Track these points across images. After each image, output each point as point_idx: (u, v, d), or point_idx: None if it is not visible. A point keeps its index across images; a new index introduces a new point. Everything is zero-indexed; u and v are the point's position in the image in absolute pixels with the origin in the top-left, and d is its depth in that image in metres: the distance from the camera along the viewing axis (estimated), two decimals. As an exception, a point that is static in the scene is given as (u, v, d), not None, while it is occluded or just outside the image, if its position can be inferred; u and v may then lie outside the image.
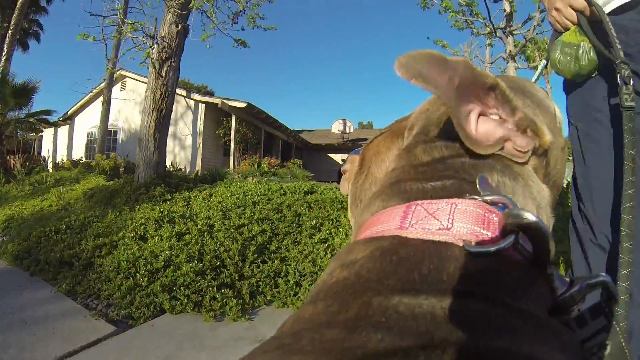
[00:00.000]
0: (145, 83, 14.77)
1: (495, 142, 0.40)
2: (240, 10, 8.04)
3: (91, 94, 15.49)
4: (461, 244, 0.32)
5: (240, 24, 8.20)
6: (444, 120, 0.46)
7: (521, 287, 0.31)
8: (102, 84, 14.19)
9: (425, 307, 0.27)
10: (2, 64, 12.79)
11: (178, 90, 9.78)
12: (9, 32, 13.38)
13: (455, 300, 0.27)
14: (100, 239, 3.67)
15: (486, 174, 0.40)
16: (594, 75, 1.16)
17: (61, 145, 17.34)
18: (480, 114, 0.40)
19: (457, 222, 0.34)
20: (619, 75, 0.98)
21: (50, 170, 12.98)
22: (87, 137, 16.61)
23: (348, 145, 22.40)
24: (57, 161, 15.32)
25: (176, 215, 3.91)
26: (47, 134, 17.33)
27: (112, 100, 14.53)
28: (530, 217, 0.32)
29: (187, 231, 3.46)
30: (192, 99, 14.38)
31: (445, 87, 0.36)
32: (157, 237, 3.45)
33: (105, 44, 12.05)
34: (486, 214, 0.34)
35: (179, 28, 7.47)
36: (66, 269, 3.38)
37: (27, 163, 12.17)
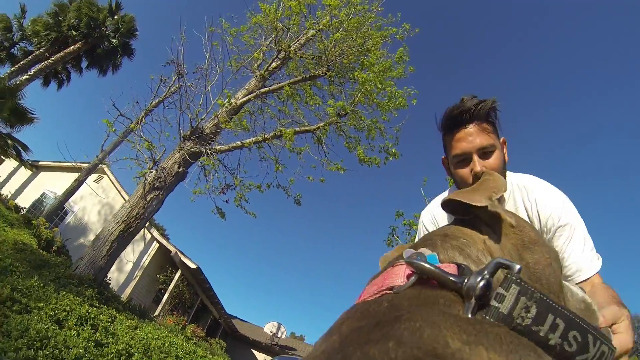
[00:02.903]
0: (119, 191, 15.04)
1: None
2: (233, 185, 8.61)
3: (69, 164, 14.85)
4: (391, 291, 0.48)
5: (226, 196, 8.65)
6: None
7: (423, 298, 0.43)
8: (85, 164, 14.18)
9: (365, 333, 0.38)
10: (21, 80, 13.06)
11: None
12: (45, 62, 14.14)
13: (380, 323, 0.39)
14: (17, 294, 3.44)
15: (412, 249, 0.58)
16: None
17: (12, 183, 16.41)
18: None
19: (387, 280, 0.51)
20: None
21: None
22: (41, 196, 15.80)
23: (275, 348, 21.41)
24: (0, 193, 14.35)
25: (101, 325, 3.72)
26: (6, 165, 16.50)
27: (83, 185, 14.34)
28: (419, 264, 0.47)
29: (106, 344, 3.28)
30: (150, 232, 14.13)
31: None
32: (74, 331, 3.26)
33: (108, 136, 12.44)
34: (405, 269, 0.51)
35: (180, 170, 7.93)
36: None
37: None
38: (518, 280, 0.42)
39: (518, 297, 0.41)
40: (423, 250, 0.55)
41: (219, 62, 8.96)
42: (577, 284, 1.13)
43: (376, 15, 9.24)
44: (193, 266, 13.63)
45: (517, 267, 0.44)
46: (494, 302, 0.41)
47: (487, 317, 0.41)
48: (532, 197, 1.29)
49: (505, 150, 1.30)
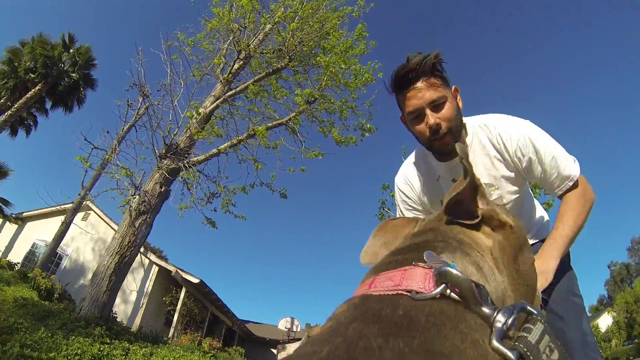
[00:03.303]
0: (108, 224, 14.83)
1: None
2: (217, 193, 8.57)
3: (53, 208, 14.47)
4: (408, 294, 0.45)
5: (213, 205, 8.65)
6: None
7: (444, 318, 0.42)
8: (68, 205, 13.96)
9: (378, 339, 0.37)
10: (-12, 136, 12.35)
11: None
12: (9, 112, 13.69)
13: (406, 333, 0.39)
14: (27, 350, 3.37)
15: (432, 250, 0.56)
16: None
17: (0, 241, 15.88)
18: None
19: (405, 280, 0.48)
20: None
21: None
22: (32, 246, 15.38)
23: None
24: (-9, 254, 14.04)
25: (116, 359, 3.67)
26: (-11, 223, 15.99)
27: (72, 226, 14.11)
28: (452, 272, 0.45)
29: (126, 380, 3.24)
30: (147, 257, 14.02)
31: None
32: (91, 374, 3.21)
33: (86, 172, 12.21)
34: (426, 274, 0.48)
35: (162, 189, 7.86)
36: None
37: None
38: (542, 320, 0.45)
39: (542, 334, 0.43)
40: (445, 258, 0.54)
41: (182, 74, 8.88)
42: (568, 189, 1.34)
43: (329, -3, 9.17)
44: (196, 281, 13.60)
45: (537, 312, 0.46)
46: (522, 333, 0.43)
47: (518, 344, 0.41)
48: (494, 131, 1.39)
49: (458, 98, 1.39)
